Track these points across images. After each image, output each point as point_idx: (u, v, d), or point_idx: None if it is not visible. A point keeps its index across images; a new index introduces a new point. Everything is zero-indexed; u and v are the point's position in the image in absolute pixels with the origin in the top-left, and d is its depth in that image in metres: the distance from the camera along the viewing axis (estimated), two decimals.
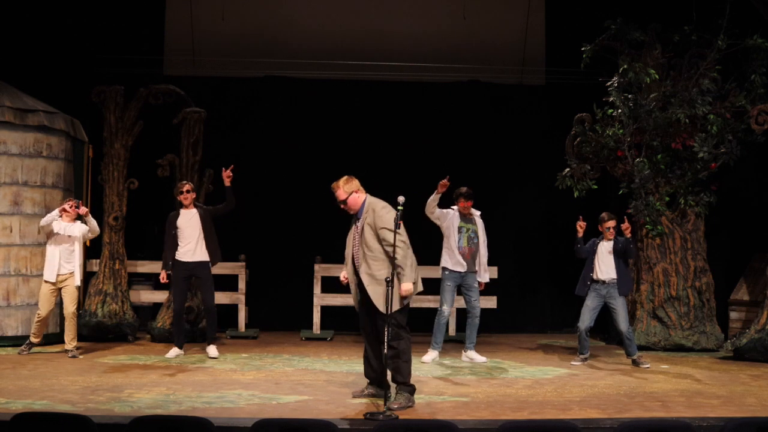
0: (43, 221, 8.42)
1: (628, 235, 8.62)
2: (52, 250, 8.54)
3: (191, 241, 8.71)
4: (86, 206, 9.15)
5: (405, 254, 6.21)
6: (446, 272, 8.73)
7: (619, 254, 8.59)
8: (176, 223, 8.75)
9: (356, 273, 6.46)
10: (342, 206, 6.52)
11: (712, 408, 6.35)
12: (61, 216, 8.46)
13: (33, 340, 8.71)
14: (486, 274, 8.91)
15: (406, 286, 6.17)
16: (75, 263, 8.65)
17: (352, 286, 6.56)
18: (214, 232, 8.80)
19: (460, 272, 8.70)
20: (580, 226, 8.74)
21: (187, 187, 8.83)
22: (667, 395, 6.88)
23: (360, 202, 6.45)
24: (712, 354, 9.46)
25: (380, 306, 6.19)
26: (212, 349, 8.80)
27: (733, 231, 10.94)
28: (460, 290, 8.88)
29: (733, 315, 10.40)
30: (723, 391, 7.12)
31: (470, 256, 8.76)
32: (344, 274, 6.62)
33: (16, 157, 9.25)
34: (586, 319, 8.64)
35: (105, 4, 11.40)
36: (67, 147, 9.72)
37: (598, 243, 8.73)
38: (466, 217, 8.83)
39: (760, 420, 4.69)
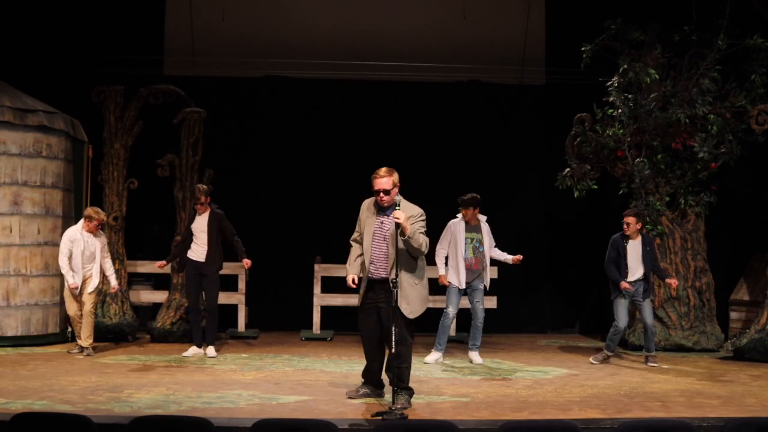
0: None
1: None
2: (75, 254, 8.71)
3: (202, 241, 8.87)
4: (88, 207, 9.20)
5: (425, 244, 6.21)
6: (452, 285, 8.70)
7: (647, 255, 8.66)
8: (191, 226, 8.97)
9: (369, 271, 6.27)
10: (381, 195, 6.26)
11: (712, 408, 6.35)
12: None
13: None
14: (488, 278, 8.79)
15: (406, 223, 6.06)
16: (96, 267, 8.80)
17: (364, 284, 6.33)
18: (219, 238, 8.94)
19: (464, 288, 8.69)
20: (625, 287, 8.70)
21: (202, 199, 8.86)
22: (667, 395, 6.88)
23: (394, 200, 6.31)
24: (712, 354, 9.46)
25: (404, 309, 6.11)
26: (210, 350, 8.84)
27: (733, 231, 10.94)
28: (465, 291, 8.85)
29: (733, 315, 10.40)
30: (723, 391, 7.12)
31: (478, 265, 8.70)
32: (353, 276, 6.42)
33: (16, 157, 9.25)
34: (625, 317, 8.68)
35: (105, 4, 11.40)
36: (66, 147, 9.72)
37: (625, 244, 8.71)
38: (471, 226, 8.73)
39: (760, 420, 4.68)
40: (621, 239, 8.76)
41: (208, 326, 8.95)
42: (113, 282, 9.04)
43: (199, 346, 8.89)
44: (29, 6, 11.13)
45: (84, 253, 8.66)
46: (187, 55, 11.64)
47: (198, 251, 8.88)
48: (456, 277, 8.64)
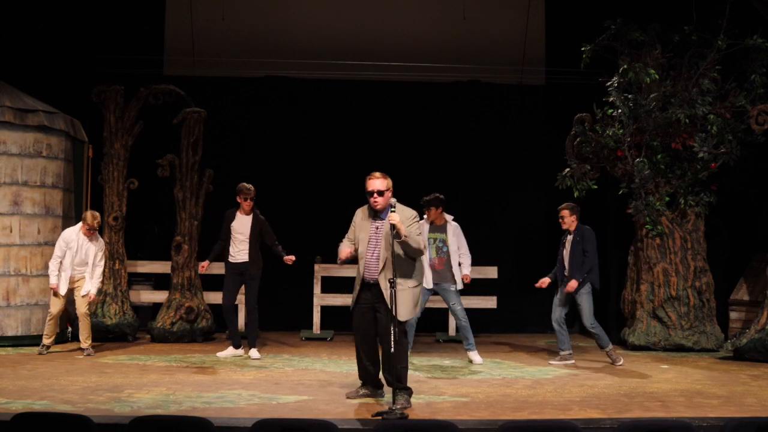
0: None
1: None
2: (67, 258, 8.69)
3: (242, 243, 8.79)
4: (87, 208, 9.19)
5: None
6: None
7: (574, 248, 8.58)
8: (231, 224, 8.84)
9: (363, 274, 6.35)
10: (375, 196, 6.30)
11: (712, 408, 6.35)
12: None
13: (45, 341, 8.74)
14: (459, 277, 8.62)
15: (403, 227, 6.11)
16: (88, 270, 8.76)
17: (357, 286, 6.42)
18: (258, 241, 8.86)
19: (430, 288, 8.62)
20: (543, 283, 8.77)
21: (252, 194, 8.81)
22: (667, 395, 6.88)
23: (388, 202, 6.36)
24: (712, 354, 9.46)
25: (398, 311, 6.09)
26: (253, 352, 8.74)
27: (733, 231, 10.93)
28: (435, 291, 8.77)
29: (733, 315, 10.39)
30: (723, 391, 7.12)
31: (442, 266, 8.61)
32: (350, 250, 6.37)
33: (16, 157, 9.25)
34: (556, 310, 8.73)
35: (105, 4, 11.40)
36: (67, 147, 9.72)
37: (564, 240, 8.75)
38: (435, 226, 8.69)
39: (760, 420, 4.68)
40: (563, 235, 8.78)
41: (249, 327, 8.85)
42: (93, 289, 8.73)
43: (237, 347, 8.82)
44: (29, 6, 11.12)
45: (77, 255, 8.64)
46: (187, 55, 11.64)
47: (239, 253, 8.77)
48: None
